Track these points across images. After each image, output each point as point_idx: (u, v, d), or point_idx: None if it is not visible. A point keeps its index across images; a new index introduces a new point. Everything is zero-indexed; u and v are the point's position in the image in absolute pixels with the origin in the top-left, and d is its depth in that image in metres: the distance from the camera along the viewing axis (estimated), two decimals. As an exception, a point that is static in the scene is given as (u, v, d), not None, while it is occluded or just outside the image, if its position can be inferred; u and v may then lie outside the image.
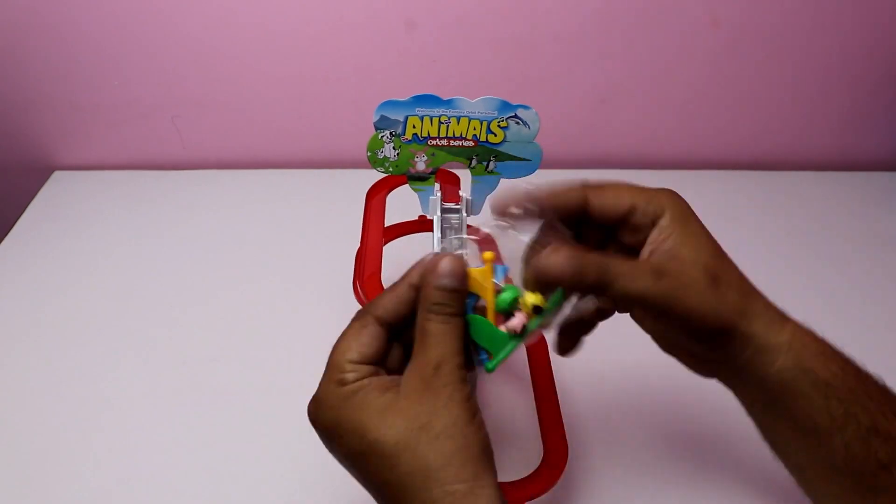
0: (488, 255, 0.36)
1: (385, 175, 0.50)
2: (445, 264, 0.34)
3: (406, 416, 0.31)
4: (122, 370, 0.59)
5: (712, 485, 0.51)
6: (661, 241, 0.37)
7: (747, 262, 0.73)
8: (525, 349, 0.51)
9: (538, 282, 0.35)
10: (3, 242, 0.73)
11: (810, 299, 0.68)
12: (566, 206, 0.38)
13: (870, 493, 0.35)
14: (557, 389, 0.49)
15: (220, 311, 0.65)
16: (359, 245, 0.56)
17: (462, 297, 0.35)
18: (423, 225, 0.59)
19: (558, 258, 0.34)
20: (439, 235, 0.49)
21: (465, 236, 0.50)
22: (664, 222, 0.37)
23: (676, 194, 0.39)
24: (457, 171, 0.54)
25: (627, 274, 0.35)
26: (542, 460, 0.45)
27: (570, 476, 0.51)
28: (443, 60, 0.77)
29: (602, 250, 0.39)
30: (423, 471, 0.31)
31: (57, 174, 0.83)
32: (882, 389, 0.37)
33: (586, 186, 0.38)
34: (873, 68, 0.80)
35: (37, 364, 0.59)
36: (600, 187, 0.39)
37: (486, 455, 0.32)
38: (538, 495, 0.44)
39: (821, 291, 0.69)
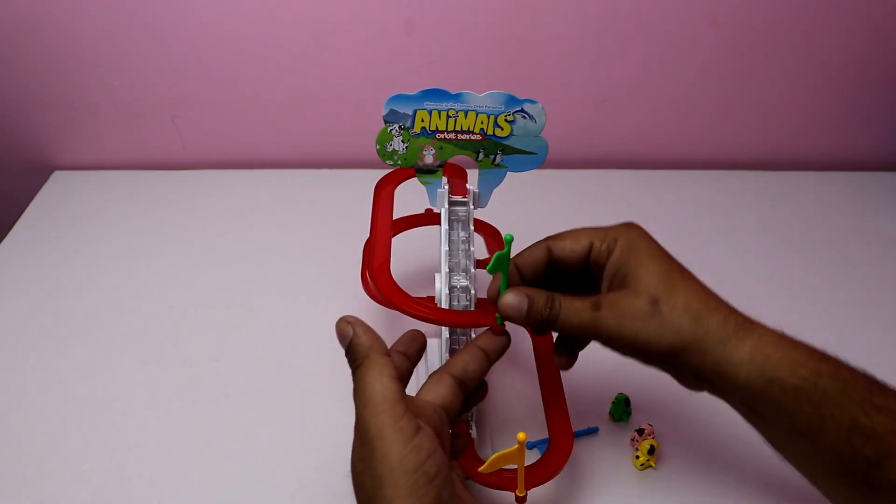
0: (521, 435, 0.37)
1: (393, 168, 0.51)
2: (339, 327, 0.38)
3: (355, 463, 0.35)
4: (123, 370, 0.59)
5: (715, 469, 0.51)
6: (612, 273, 0.40)
7: (747, 262, 0.73)
8: (530, 338, 0.51)
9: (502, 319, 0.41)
10: (3, 242, 0.73)
11: (810, 299, 0.68)
12: (533, 262, 0.42)
13: (870, 491, 0.36)
14: (562, 376, 0.49)
15: (220, 311, 0.65)
16: (367, 237, 0.56)
17: (362, 347, 0.37)
18: (430, 218, 0.60)
19: (511, 298, 0.40)
20: (446, 227, 0.50)
21: (471, 229, 0.50)
22: (614, 256, 0.41)
23: (631, 226, 0.42)
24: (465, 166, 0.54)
25: (569, 309, 0.39)
26: (548, 447, 0.45)
27: (574, 462, 0.51)
28: (442, 60, 0.77)
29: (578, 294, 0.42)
30: None
31: (57, 174, 0.83)
32: (865, 383, 0.37)
33: (548, 238, 0.43)
34: (873, 68, 0.80)
35: (37, 364, 0.59)
36: (559, 236, 0.44)
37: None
38: (544, 482, 0.44)
39: (821, 291, 0.69)
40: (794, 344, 0.38)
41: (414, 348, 0.42)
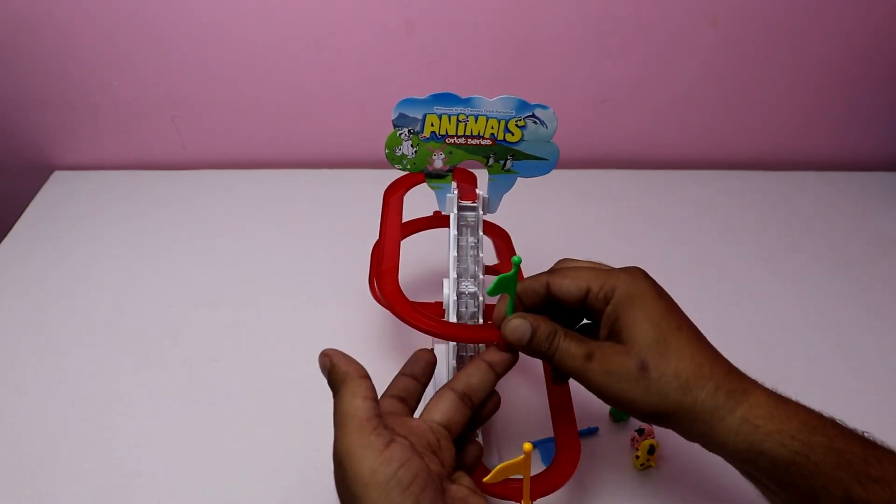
0: (527, 446, 0.37)
1: (403, 173, 0.50)
2: (320, 359, 0.38)
3: (337, 482, 0.35)
4: (123, 370, 0.59)
5: (715, 469, 0.51)
6: (609, 323, 0.40)
7: (747, 262, 0.73)
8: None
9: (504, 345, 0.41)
10: (3, 242, 0.73)
11: (810, 299, 0.68)
12: (533, 293, 0.42)
13: None
14: (570, 387, 0.49)
15: (220, 311, 0.65)
16: (375, 241, 0.56)
17: (338, 373, 0.37)
18: (439, 221, 0.60)
19: (516, 325, 0.40)
20: (455, 233, 0.50)
21: (480, 234, 0.50)
22: (610, 307, 0.40)
23: (633, 274, 0.41)
24: (475, 171, 0.54)
25: (564, 351, 0.40)
26: (554, 456, 0.45)
27: (582, 472, 0.51)
28: (442, 60, 0.77)
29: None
30: None
31: (57, 174, 0.83)
32: (861, 453, 0.35)
33: (550, 272, 0.43)
34: (873, 68, 0.80)
35: (37, 364, 0.59)
36: (561, 272, 0.42)
37: None
38: (550, 492, 0.44)
39: (821, 291, 0.69)
40: (788, 413, 0.36)
41: (420, 368, 0.42)
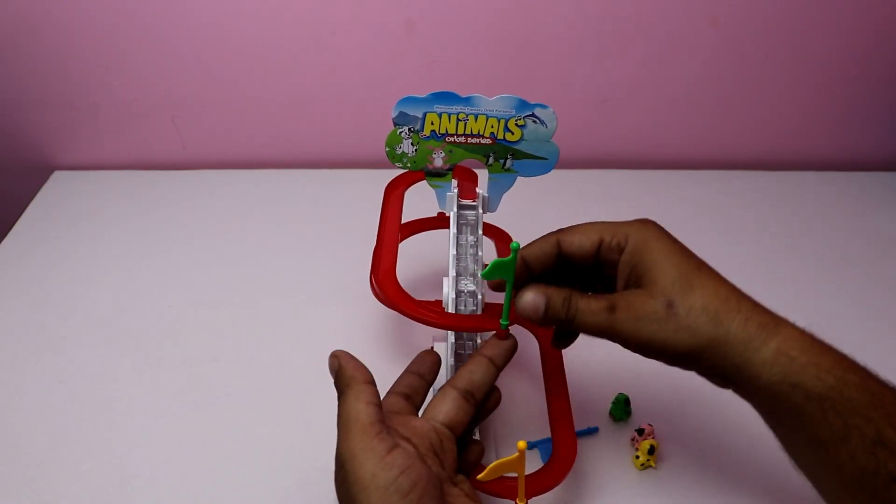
0: (521, 444, 0.37)
1: (403, 171, 0.50)
2: (329, 360, 0.39)
3: (338, 484, 0.36)
4: (123, 370, 0.59)
5: (715, 469, 0.51)
6: (626, 272, 0.39)
7: (747, 263, 0.73)
8: (538, 343, 0.51)
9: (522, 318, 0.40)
10: (3, 242, 0.73)
11: (810, 299, 0.68)
12: (542, 255, 0.41)
13: None
14: (569, 387, 0.49)
15: (220, 311, 0.65)
16: (375, 241, 0.56)
17: (347, 376, 0.37)
18: (441, 222, 0.59)
19: (530, 298, 0.39)
20: (455, 231, 0.50)
21: (480, 233, 0.50)
22: (625, 255, 0.39)
23: (645, 222, 0.41)
24: (475, 170, 0.54)
25: (585, 310, 0.39)
26: (551, 456, 0.45)
27: (575, 462, 0.51)
28: (443, 60, 0.77)
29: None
30: None
31: (57, 174, 0.83)
32: (892, 397, 0.35)
33: (559, 231, 0.42)
34: (873, 68, 0.80)
35: (37, 364, 0.59)
36: (570, 229, 0.41)
37: None
38: (545, 491, 0.44)
39: (821, 291, 0.69)
40: (822, 349, 0.36)
41: (426, 367, 0.43)
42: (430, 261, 0.62)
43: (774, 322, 0.37)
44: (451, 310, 0.48)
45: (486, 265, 0.39)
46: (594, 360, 0.58)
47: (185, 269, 0.70)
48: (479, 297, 0.49)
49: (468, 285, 0.49)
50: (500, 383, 0.43)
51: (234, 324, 0.63)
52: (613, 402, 0.55)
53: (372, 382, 0.37)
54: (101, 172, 0.83)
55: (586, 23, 0.75)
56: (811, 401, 0.35)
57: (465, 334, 0.50)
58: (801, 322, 0.49)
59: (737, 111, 0.83)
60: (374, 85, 0.79)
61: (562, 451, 0.45)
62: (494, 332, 0.44)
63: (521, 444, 0.37)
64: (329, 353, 0.39)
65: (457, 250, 0.50)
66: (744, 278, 0.69)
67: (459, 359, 0.49)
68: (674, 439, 0.53)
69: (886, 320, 0.66)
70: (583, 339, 0.44)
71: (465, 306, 0.48)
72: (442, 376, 0.48)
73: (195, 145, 0.84)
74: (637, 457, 0.51)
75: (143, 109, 0.80)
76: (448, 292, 0.49)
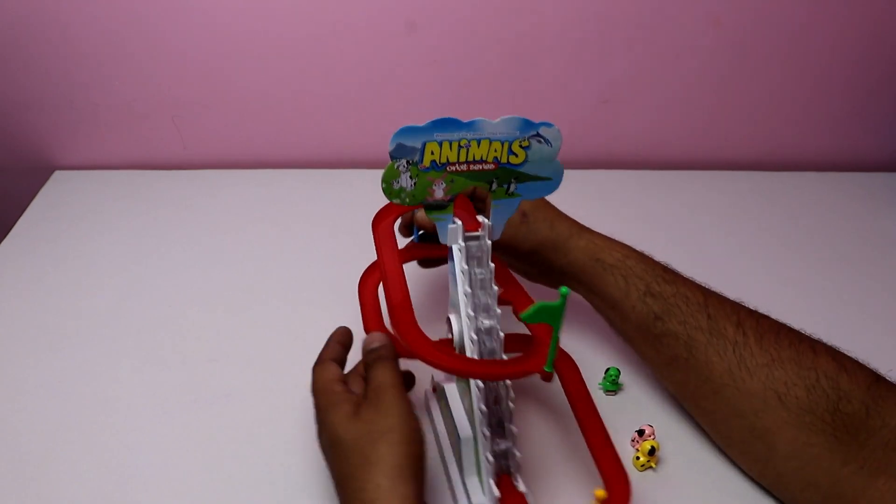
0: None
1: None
2: (371, 337, 0.46)
3: (359, 424, 0.41)
4: (123, 370, 0.59)
5: (715, 469, 0.51)
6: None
7: (747, 263, 0.73)
8: (557, 378, 0.48)
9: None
10: (3, 242, 0.73)
11: (810, 299, 0.68)
12: (428, 222, 0.50)
13: (655, 340, 0.51)
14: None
15: (220, 311, 0.65)
16: (364, 272, 0.53)
17: (389, 350, 0.45)
18: (432, 251, 0.56)
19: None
20: (464, 266, 0.45)
21: (489, 265, 0.46)
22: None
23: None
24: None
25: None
26: (609, 494, 0.41)
27: (574, 462, 0.51)
28: (443, 61, 0.78)
29: None
30: (364, 466, 0.39)
31: (57, 174, 0.83)
32: (661, 266, 0.53)
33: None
34: (873, 68, 0.80)
35: (37, 364, 0.59)
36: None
37: (411, 460, 0.40)
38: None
39: (821, 292, 0.69)
40: (614, 242, 0.54)
41: (346, 338, 0.50)
42: (414, 287, 0.61)
43: (588, 229, 0.55)
44: (472, 352, 0.45)
45: (529, 307, 0.37)
46: (592, 356, 0.58)
47: (185, 269, 0.70)
48: (500, 334, 0.45)
49: (484, 323, 0.45)
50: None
51: (233, 324, 0.63)
52: (605, 375, 0.57)
53: (337, 361, 0.47)
54: (101, 172, 0.83)
55: (586, 23, 0.75)
56: (606, 269, 0.52)
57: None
58: (800, 322, 0.50)
59: (737, 111, 0.83)
60: (374, 85, 0.79)
61: (616, 486, 0.42)
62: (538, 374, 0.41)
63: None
64: None
65: (470, 286, 0.46)
66: (744, 278, 0.70)
67: (496, 402, 0.45)
68: (674, 441, 0.53)
69: (886, 320, 0.66)
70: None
71: (485, 346, 0.45)
72: (465, 424, 0.46)
73: (196, 145, 0.84)
74: (637, 458, 0.51)
75: (143, 109, 0.80)
76: (464, 332, 0.45)
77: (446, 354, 0.44)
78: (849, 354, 0.47)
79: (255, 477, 0.51)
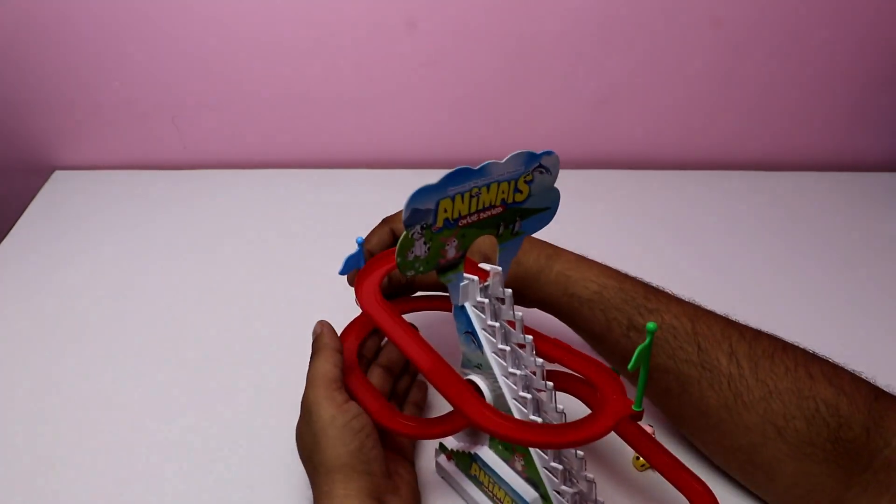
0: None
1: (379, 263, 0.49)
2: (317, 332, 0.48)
3: (302, 432, 0.44)
4: (122, 370, 0.59)
5: (715, 469, 0.51)
6: None
7: (747, 263, 0.73)
8: (621, 438, 0.47)
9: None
10: (3, 242, 0.73)
11: (810, 300, 0.68)
12: (381, 243, 0.53)
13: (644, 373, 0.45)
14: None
15: (220, 311, 0.65)
16: (348, 325, 0.53)
17: (320, 341, 0.46)
18: (432, 303, 0.55)
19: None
20: (494, 322, 0.43)
21: (513, 311, 0.43)
22: None
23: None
24: None
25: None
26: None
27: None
28: (443, 61, 0.78)
29: None
30: (313, 475, 0.43)
31: (57, 174, 0.83)
32: (642, 292, 0.48)
33: (387, 221, 0.53)
34: (873, 68, 0.80)
35: (37, 364, 0.59)
36: (396, 216, 0.53)
37: (351, 458, 0.41)
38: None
39: (821, 292, 0.69)
40: (589, 264, 0.50)
41: (396, 362, 0.52)
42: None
43: (555, 252, 0.51)
44: (519, 413, 0.43)
45: (633, 357, 0.36)
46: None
47: (184, 268, 0.70)
48: (561, 408, 0.42)
49: (520, 381, 0.43)
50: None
51: (234, 324, 0.63)
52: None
53: (340, 351, 0.46)
54: (101, 172, 0.83)
55: (586, 23, 0.75)
56: (583, 304, 0.49)
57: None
58: (800, 322, 0.50)
59: (737, 111, 0.83)
60: (375, 85, 0.79)
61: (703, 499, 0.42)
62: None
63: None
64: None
65: (506, 343, 0.42)
66: (744, 278, 0.70)
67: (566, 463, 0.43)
68: (674, 441, 0.53)
69: (887, 320, 0.66)
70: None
71: (542, 412, 0.42)
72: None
73: (196, 145, 0.84)
74: (637, 457, 0.51)
75: (143, 109, 0.81)
76: (509, 400, 0.43)
77: (529, 428, 0.40)
78: (845, 367, 0.45)
79: (255, 477, 0.51)
